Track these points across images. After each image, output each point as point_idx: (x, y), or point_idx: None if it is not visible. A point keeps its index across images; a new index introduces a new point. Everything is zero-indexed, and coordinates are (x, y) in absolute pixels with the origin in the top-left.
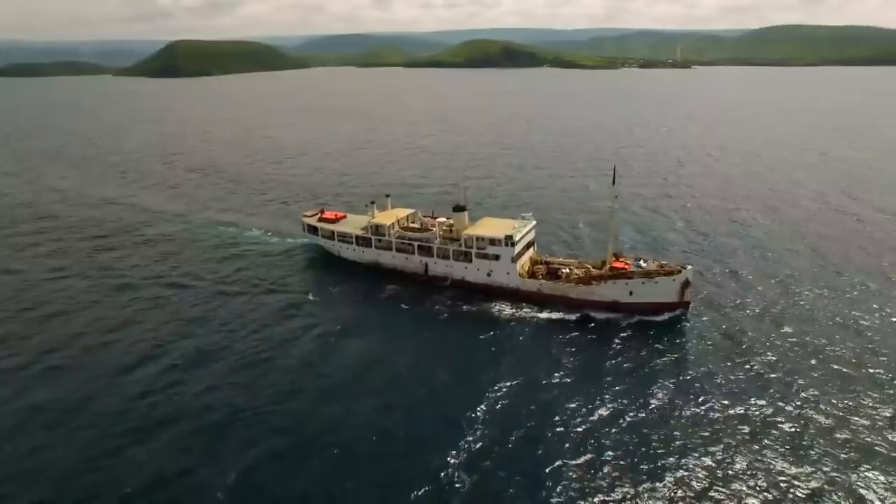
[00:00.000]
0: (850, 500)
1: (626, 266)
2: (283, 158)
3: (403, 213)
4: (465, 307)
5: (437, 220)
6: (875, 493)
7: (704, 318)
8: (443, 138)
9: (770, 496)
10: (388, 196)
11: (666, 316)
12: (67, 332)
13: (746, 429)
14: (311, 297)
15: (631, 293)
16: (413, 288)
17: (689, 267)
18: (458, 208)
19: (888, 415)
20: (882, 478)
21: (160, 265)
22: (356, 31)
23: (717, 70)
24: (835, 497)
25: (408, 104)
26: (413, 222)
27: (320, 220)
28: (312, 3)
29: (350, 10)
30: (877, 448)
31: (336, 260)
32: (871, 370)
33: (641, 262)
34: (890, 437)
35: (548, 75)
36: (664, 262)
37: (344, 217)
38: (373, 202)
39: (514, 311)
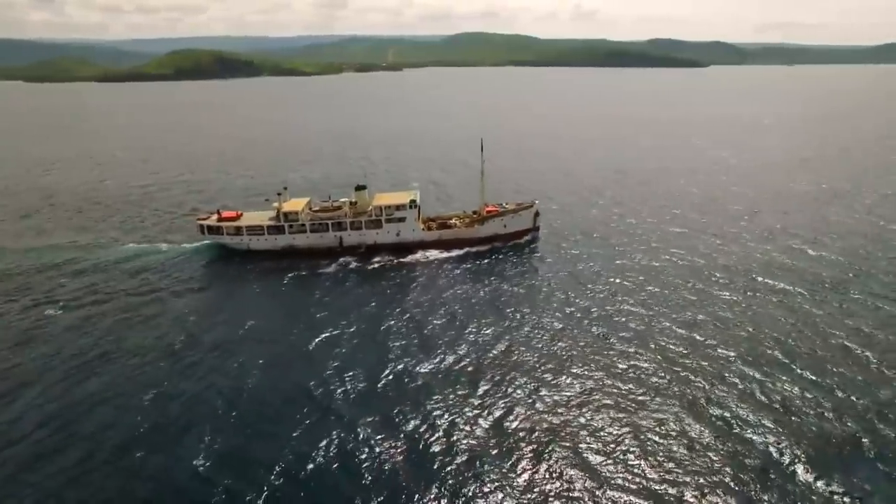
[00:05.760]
0: (666, 416)
1: (497, 209)
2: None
3: (304, 201)
4: (376, 263)
5: (342, 200)
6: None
7: (547, 235)
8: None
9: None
10: (285, 188)
11: (526, 238)
12: None
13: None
14: (233, 286)
15: (505, 226)
16: (329, 258)
17: (537, 202)
18: (360, 187)
19: (695, 316)
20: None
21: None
22: (17, 37)
23: (425, 71)
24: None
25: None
26: (313, 207)
27: (220, 220)
28: None
29: None
30: (674, 353)
31: (241, 253)
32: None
33: (504, 204)
34: (694, 341)
35: (275, 83)
36: (519, 202)
37: (241, 215)
38: (279, 194)
39: (418, 257)
